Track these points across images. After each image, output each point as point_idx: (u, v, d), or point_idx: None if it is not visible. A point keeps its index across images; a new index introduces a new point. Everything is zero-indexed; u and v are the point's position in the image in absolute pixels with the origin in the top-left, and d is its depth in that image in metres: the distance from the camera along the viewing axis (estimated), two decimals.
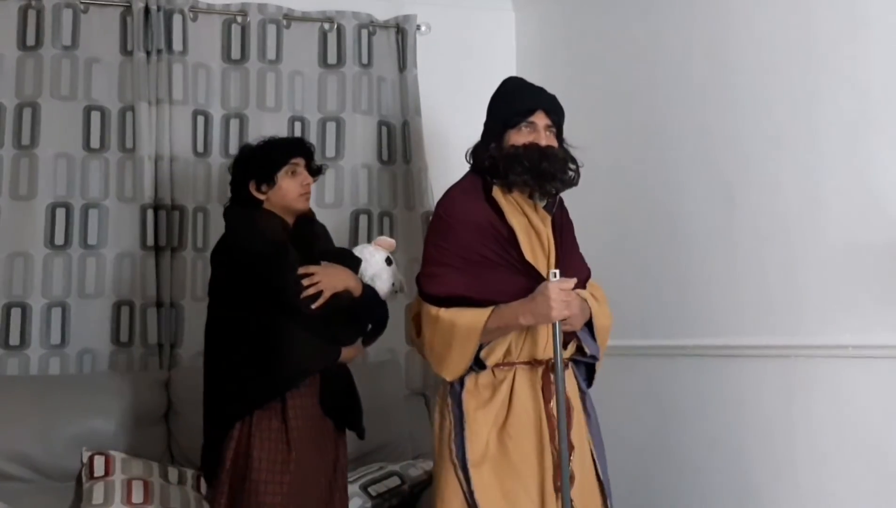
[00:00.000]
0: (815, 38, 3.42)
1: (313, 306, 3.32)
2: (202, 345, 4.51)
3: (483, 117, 5.11)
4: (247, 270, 3.36)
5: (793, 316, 3.49)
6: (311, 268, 3.37)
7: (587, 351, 3.17)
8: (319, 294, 3.34)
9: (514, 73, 5.23)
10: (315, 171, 3.64)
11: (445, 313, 3.08)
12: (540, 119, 3.20)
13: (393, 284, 3.57)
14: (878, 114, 3.19)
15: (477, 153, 3.28)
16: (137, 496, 3.76)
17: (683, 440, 3.89)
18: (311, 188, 3.61)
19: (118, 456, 3.91)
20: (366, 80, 4.93)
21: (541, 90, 3.29)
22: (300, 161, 3.57)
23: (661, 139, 4.14)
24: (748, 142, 3.71)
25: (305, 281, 3.33)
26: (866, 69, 3.22)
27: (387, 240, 3.64)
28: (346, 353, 3.46)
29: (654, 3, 4.25)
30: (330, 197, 4.81)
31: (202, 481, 3.99)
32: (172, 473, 3.98)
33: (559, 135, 3.25)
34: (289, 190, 3.52)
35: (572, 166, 3.21)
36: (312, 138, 4.76)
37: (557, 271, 3.01)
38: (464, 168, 5.10)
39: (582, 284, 3.22)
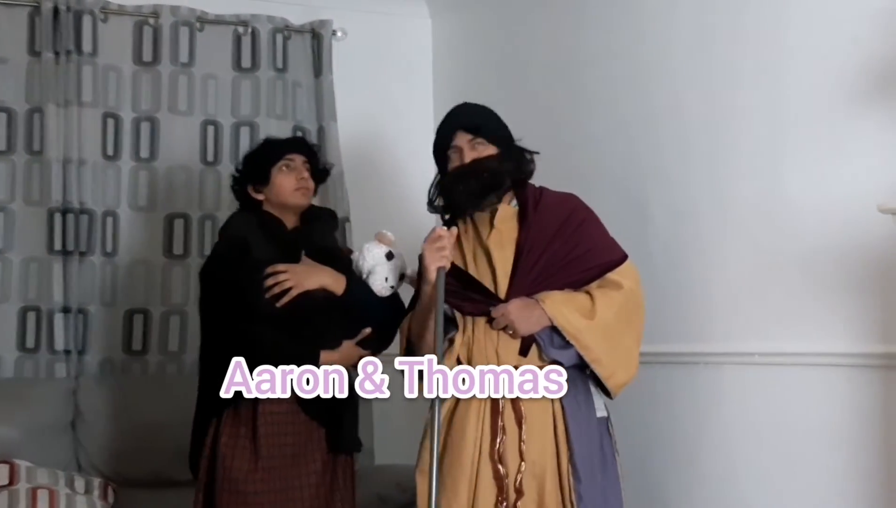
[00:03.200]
0: (734, 54, 3.47)
1: (278, 304, 3.18)
2: (110, 352, 4.48)
3: (399, 123, 5.16)
4: (212, 276, 3.29)
5: (702, 325, 3.55)
6: (280, 267, 3.23)
7: (545, 357, 3.04)
8: (285, 293, 3.20)
9: (430, 80, 5.28)
10: (319, 172, 3.50)
11: (403, 325, 3.24)
12: (460, 139, 3.15)
13: (386, 278, 3.34)
14: (789, 129, 3.25)
15: (429, 197, 3.26)
16: (42, 505, 3.68)
17: None
18: (311, 185, 3.44)
19: (23, 465, 3.83)
20: (280, 85, 4.89)
21: (456, 112, 3.23)
22: (296, 157, 3.41)
23: (574, 146, 4.17)
24: (662, 152, 3.76)
25: (270, 281, 3.20)
26: (781, 87, 3.28)
27: (386, 234, 3.41)
28: (329, 357, 3.25)
29: (571, 11, 4.28)
30: None
31: (109, 490, 3.93)
32: (79, 482, 3.91)
33: (497, 139, 3.16)
34: (283, 185, 3.36)
35: (508, 164, 3.13)
36: (225, 143, 4.72)
37: (443, 228, 3.05)
38: (379, 173, 5.12)
39: (581, 280, 3.10)
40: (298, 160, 3.41)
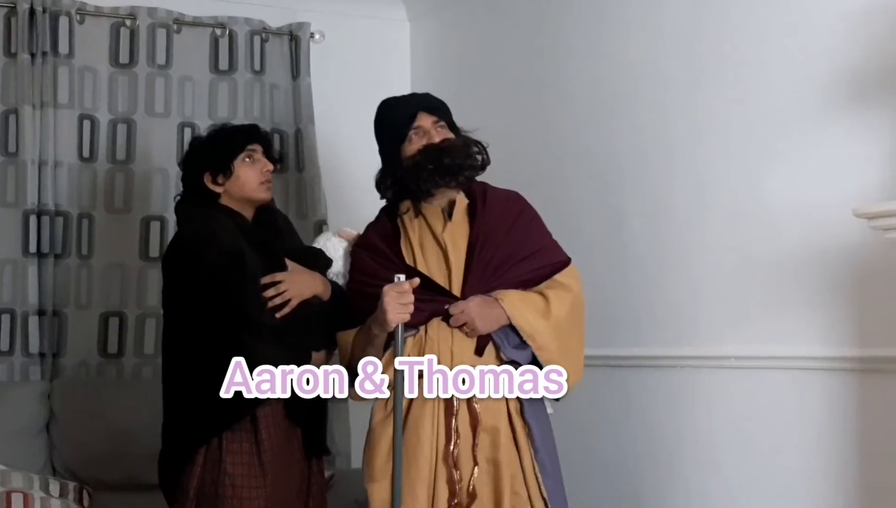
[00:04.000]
0: (711, 57, 3.49)
1: (278, 315, 3.08)
2: (85, 355, 4.45)
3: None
4: (202, 283, 3.10)
5: (677, 328, 3.56)
6: (278, 276, 3.12)
7: (503, 356, 3.00)
8: (285, 303, 3.10)
9: (408, 83, 5.27)
10: (274, 161, 3.38)
11: (341, 337, 3.15)
12: (424, 120, 3.11)
13: None
14: (765, 135, 3.27)
15: (379, 185, 3.18)
16: None
17: (571, 448, 3.91)
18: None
19: None
20: (258, 87, 4.88)
21: (412, 94, 3.27)
22: (257, 147, 3.31)
23: (554, 150, 4.18)
24: (639, 157, 3.77)
25: (270, 292, 3.08)
26: (758, 93, 3.30)
27: (350, 231, 3.32)
28: (314, 361, 3.20)
29: (549, 13, 4.29)
30: None
31: (84, 493, 3.91)
32: (54, 486, 3.87)
33: (452, 127, 3.16)
34: (248, 179, 3.25)
35: (475, 149, 3.12)
36: None
37: (402, 275, 2.91)
38: (357, 176, 5.10)
39: (533, 279, 3.06)
40: (259, 150, 3.32)
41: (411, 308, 2.90)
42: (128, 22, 4.69)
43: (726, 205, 3.39)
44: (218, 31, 4.84)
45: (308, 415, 3.22)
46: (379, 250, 3.14)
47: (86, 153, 4.56)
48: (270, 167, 3.31)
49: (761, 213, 3.26)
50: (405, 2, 5.27)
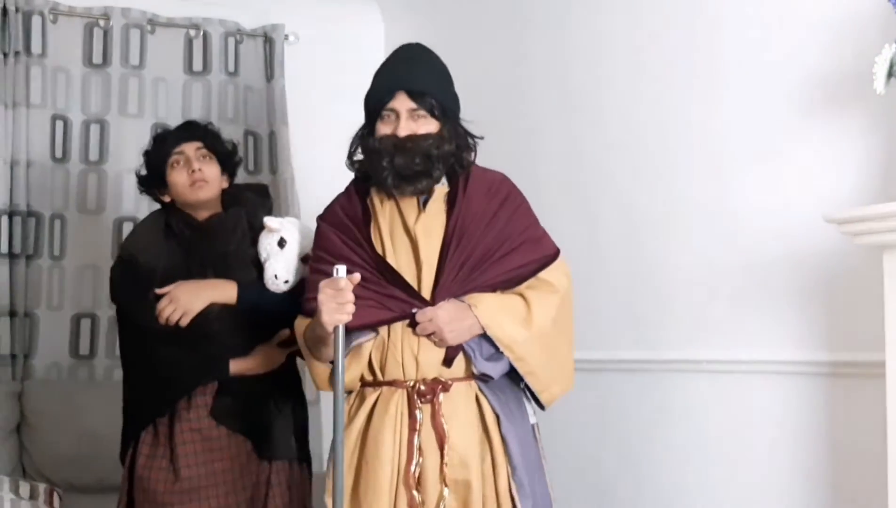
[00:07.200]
0: (682, 64, 3.50)
1: (162, 322, 3.04)
2: (57, 356, 4.44)
3: (351, 128, 5.14)
4: (111, 293, 3.29)
5: (650, 332, 3.57)
6: (162, 302, 3.04)
7: (474, 369, 2.68)
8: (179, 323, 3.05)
9: None
10: (224, 151, 3.25)
11: (298, 323, 2.82)
12: (401, 103, 2.70)
13: (276, 275, 3.04)
14: (736, 140, 3.28)
15: (350, 154, 2.84)
16: None
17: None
18: (211, 173, 3.19)
19: None
20: (232, 89, 4.87)
21: (406, 66, 2.80)
22: (185, 147, 3.17)
23: (524, 150, 4.19)
24: (611, 161, 3.78)
25: (161, 318, 3.04)
26: (728, 99, 3.31)
27: (268, 222, 3.09)
28: (243, 364, 3.09)
29: (522, 14, 4.30)
30: None
31: (54, 495, 3.89)
32: (24, 488, 3.86)
33: (443, 113, 2.75)
34: (176, 184, 3.16)
35: (449, 148, 2.73)
36: None
37: (342, 267, 2.51)
38: (332, 178, 5.08)
39: (515, 278, 2.74)
40: (189, 149, 3.18)
41: (351, 307, 2.52)
42: (101, 22, 4.68)
43: (697, 210, 3.41)
44: (192, 32, 4.83)
45: (244, 422, 3.12)
46: (348, 230, 2.79)
47: (58, 153, 4.54)
48: (198, 165, 3.16)
49: (734, 218, 3.28)
50: (380, 3, 5.27)
